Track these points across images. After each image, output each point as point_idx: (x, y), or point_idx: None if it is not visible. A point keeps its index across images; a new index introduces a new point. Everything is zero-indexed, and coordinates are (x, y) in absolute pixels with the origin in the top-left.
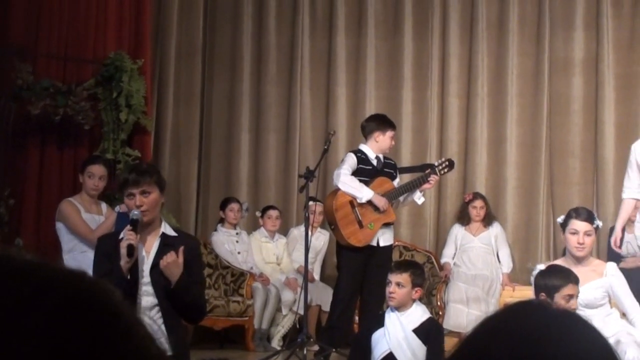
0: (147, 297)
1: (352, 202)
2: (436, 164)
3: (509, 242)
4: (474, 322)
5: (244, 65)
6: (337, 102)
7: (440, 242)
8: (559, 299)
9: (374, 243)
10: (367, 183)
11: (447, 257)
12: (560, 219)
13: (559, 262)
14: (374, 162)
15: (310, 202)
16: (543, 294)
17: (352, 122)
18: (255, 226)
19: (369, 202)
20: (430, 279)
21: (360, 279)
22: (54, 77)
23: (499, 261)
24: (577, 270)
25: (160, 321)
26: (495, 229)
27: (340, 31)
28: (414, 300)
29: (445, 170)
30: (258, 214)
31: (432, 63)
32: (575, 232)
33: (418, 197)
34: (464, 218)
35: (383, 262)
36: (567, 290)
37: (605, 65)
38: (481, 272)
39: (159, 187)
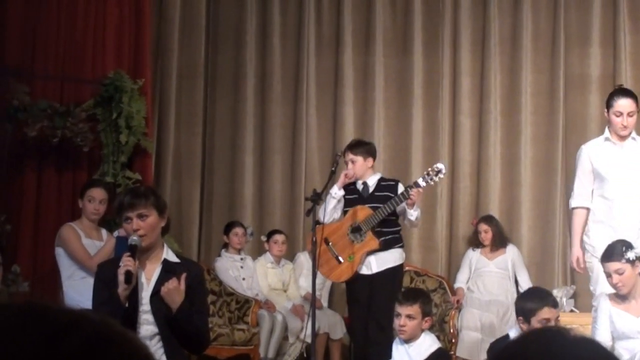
0: (147, 326)
1: (327, 239)
2: (425, 172)
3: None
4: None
5: (248, 84)
6: (344, 122)
7: (452, 266)
8: (535, 323)
9: (366, 272)
10: (345, 214)
11: (460, 282)
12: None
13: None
14: (360, 188)
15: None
16: (520, 317)
17: None
18: (260, 251)
19: (354, 229)
20: (442, 306)
21: (364, 312)
22: (51, 98)
23: (518, 285)
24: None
25: (161, 351)
26: (511, 252)
27: (347, 49)
28: (422, 330)
29: (434, 179)
30: (263, 238)
31: (442, 81)
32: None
33: (410, 215)
34: (476, 242)
35: (382, 289)
36: (544, 313)
37: (622, 82)
38: (496, 297)
39: (158, 210)
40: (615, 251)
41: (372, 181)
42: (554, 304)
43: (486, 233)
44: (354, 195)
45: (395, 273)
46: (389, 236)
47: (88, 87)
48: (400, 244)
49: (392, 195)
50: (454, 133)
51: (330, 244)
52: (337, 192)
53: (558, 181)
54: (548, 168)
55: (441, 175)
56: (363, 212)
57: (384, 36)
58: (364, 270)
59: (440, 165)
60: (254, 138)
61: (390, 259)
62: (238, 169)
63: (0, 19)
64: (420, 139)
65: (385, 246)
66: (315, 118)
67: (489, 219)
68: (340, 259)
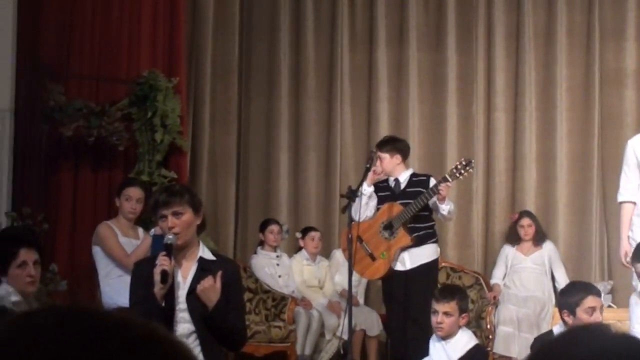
0: (184, 324)
1: (360, 237)
2: (453, 168)
3: None
4: (525, 347)
5: (282, 81)
6: (379, 118)
7: (488, 263)
8: (581, 314)
9: (401, 268)
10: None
11: (496, 278)
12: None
13: None
14: (392, 185)
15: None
16: (566, 311)
17: None
18: (296, 248)
19: (385, 226)
20: (479, 302)
21: (400, 308)
22: (86, 97)
23: (555, 281)
24: None
25: (198, 349)
26: (548, 248)
27: (381, 45)
28: (459, 327)
29: (462, 171)
30: (298, 235)
31: (477, 76)
32: None
33: (442, 210)
34: (513, 238)
35: (417, 285)
36: (589, 302)
37: None
38: (533, 293)
39: (193, 208)
40: None
41: (403, 177)
42: (598, 293)
43: (529, 227)
44: (386, 193)
45: (429, 269)
46: (422, 232)
47: (123, 86)
48: (434, 239)
49: (424, 190)
50: (488, 129)
51: (363, 242)
52: (366, 189)
53: (594, 176)
54: (584, 163)
55: (470, 169)
56: (394, 208)
57: (417, 32)
58: (399, 267)
59: (467, 159)
60: (289, 135)
61: (423, 254)
62: (273, 167)
63: (35, 19)
64: (454, 135)
65: (418, 242)
66: (349, 114)
67: (531, 214)
68: (374, 256)
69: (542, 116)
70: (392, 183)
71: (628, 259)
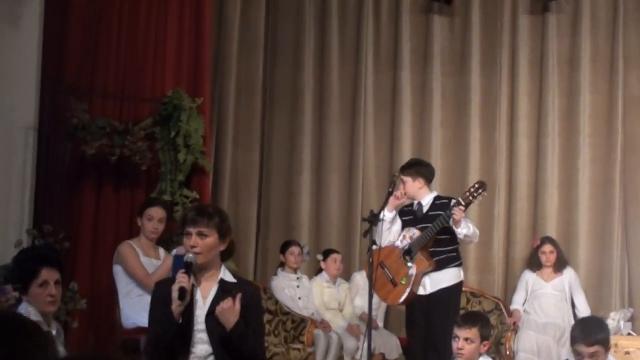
0: (202, 345)
1: (382, 263)
2: (466, 191)
3: None
4: None
5: (305, 102)
6: (401, 141)
7: (509, 288)
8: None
9: (422, 292)
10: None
11: (517, 303)
12: None
13: None
14: (415, 209)
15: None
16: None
17: None
18: (316, 270)
19: (406, 252)
20: (498, 327)
21: (421, 333)
22: (110, 116)
23: (575, 308)
24: None
25: None
26: (569, 274)
27: (405, 67)
28: (480, 354)
29: (475, 194)
30: (319, 257)
31: (500, 101)
32: None
33: (459, 233)
34: (534, 263)
35: (437, 310)
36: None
37: None
38: (553, 320)
39: (219, 233)
40: None
41: (426, 201)
42: (590, 342)
43: (551, 254)
44: (409, 217)
45: (450, 293)
46: (443, 255)
47: (147, 106)
48: (456, 263)
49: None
50: (511, 154)
51: (385, 267)
52: (387, 214)
53: (616, 203)
54: (606, 190)
55: (482, 191)
56: (410, 232)
57: (441, 56)
58: (420, 291)
59: (480, 182)
60: (311, 156)
61: (444, 279)
62: (295, 187)
63: (60, 36)
64: (477, 159)
65: (439, 266)
66: (372, 137)
67: (553, 240)
68: (395, 282)
69: (565, 142)
70: (415, 207)
71: None
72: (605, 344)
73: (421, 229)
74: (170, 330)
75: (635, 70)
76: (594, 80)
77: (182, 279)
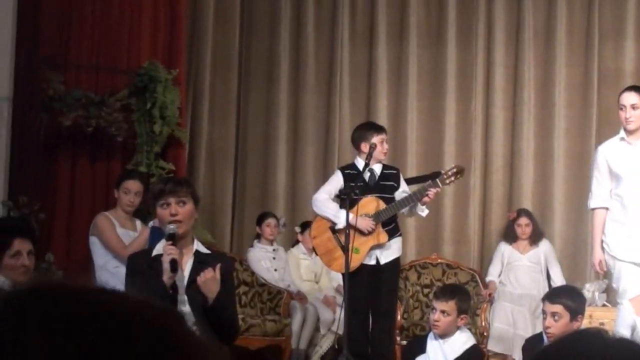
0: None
1: (333, 227)
2: (442, 172)
3: None
4: (520, 344)
5: (281, 75)
6: (377, 113)
7: (484, 260)
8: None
9: (372, 262)
10: (354, 202)
11: (492, 275)
12: None
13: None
14: (367, 177)
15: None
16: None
17: (394, 135)
18: (292, 242)
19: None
20: (474, 299)
21: (365, 305)
22: (86, 87)
23: (550, 280)
24: None
25: None
26: (544, 246)
27: (381, 40)
28: (458, 327)
29: (452, 179)
30: (297, 229)
31: (476, 73)
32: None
33: (421, 210)
34: (509, 236)
35: (386, 282)
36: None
37: None
38: (528, 291)
39: (194, 200)
40: None
41: (378, 169)
42: (553, 301)
43: (527, 227)
44: (359, 183)
45: (398, 263)
46: (392, 225)
47: (122, 77)
48: (399, 233)
49: (395, 184)
50: (487, 125)
51: (336, 232)
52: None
53: (591, 175)
54: (581, 162)
55: (460, 177)
56: (375, 204)
57: (417, 28)
58: (371, 262)
59: (460, 167)
60: (287, 129)
61: (395, 249)
62: (271, 160)
63: (35, 8)
64: (452, 131)
65: (389, 236)
66: (348, 109)
67: (529, 213)
68: (347, 248)
69: (540, 114)
70: (366, 175)
71: (603, 267)
72: (572, 311)
73: (378, 198)
74: (164, 302)
75: (611, 43)
76: (569, 52)
77: (172, 251)
